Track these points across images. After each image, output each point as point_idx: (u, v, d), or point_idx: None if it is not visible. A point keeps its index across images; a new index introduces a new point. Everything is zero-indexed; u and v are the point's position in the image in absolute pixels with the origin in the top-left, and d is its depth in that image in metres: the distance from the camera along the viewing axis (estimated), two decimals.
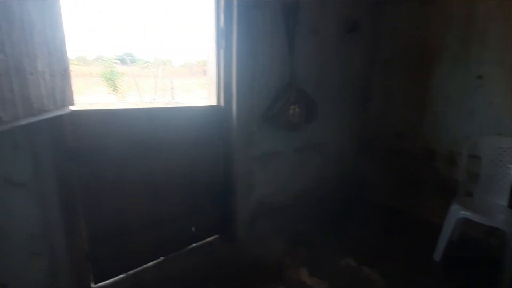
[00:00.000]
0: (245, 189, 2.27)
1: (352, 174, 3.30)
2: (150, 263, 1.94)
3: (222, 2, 1.92)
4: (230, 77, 2.04)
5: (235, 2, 1.90)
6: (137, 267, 1.88)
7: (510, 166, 2.14)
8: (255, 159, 2.28)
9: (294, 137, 2.50)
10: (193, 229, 2.13)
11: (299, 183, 2.71)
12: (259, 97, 2.17)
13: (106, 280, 1.77)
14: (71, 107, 1.45)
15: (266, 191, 2.42)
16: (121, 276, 1.82)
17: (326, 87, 2.67)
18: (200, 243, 2.20)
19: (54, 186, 1.44)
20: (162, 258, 1.99)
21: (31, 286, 1.45)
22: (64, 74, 1.35)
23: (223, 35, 1.97)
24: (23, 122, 1.04)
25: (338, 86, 2.80)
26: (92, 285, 1.70)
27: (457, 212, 2.07)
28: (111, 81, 10.82)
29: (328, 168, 2.96)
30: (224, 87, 2.05)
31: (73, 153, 1.51)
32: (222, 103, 2.09)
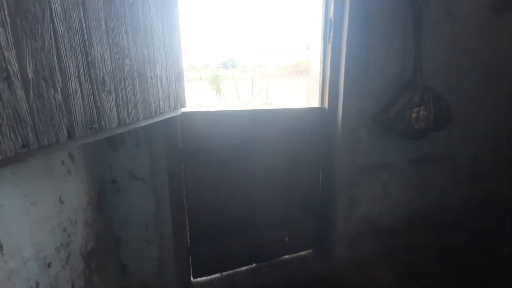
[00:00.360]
0: (347, 204, 1.98)
1: (491, 199, 2.50)
2: (243, 268, 1.91)
3: None
4: (337, 75, 1.80)
5: None
6: (231, 269, 1.88)
7: None
8: (361, 170, 1.96)
9: (411, 146, 2.04)
10: (287, 239, 1.99)
11: (415, 204, 2.21)
12: (370, 97, 1.84)
13: (204, 276, 1.82)
14: (183, 109, 1.52)
15: (372, 208, 2.06)
16: (216, 275, 1.84)
17: (462, 83, 2.07)
18: (292, 255, 2.04)
19: (166, 182, 1.54)
20: (254, 264, 1.93)
21: (144, 270, 1.60)
22: (179, 77, 1.41)
23: (331, 27, 1.74)
24: (143, 123, 1.11)
25: (478, 82, 2.14)
26: (191, 279, 1.78)
27: None
28: (215, 84, 12.02)
29: (456, 188, 2.32)
30: (330, 87, 1.82)
31: (182, 153, 1.58)
32: (326, 104, 1.86)
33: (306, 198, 1.97)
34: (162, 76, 1.24)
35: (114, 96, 0.91)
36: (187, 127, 1.58)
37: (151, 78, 1.14)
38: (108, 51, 0.88)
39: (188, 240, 1.72)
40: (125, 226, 1.51)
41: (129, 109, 0.99)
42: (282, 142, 1.82)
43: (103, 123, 0.86)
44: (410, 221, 2.22)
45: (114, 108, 0.91)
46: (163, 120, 1.35)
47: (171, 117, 1.43)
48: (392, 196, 2.10)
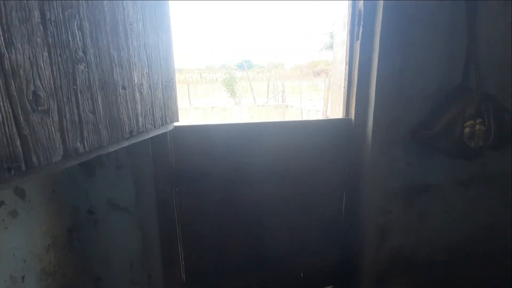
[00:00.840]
0: (377, 234, 1.64)
1: None
2: None
3: None
4: (368, 79, 1.46)
5: None
6: None
7: None
8: (393, 194, 1.60)
9: (457, 165, 1.67)
10: (302, 275, 1.67)
11: (459, 232, 1.82)
12: (408, 107, 1.49)
13: None
14: (175, 124, 1.24)
15: (406, 239, 1.70)
16: None
17: None
18: None
19: (154, 212, 1.27)
20: None
21: None
22: (168, 86, 1.14)
23: (360, 21, 1.41)
24: (111, 149, 0.84)
25: None
26: None
27: None
28: (230, 86, 11.83)
29: (508, 213, 1.91)
30: (357, 94, 1.48)
31: (175, 175, 1.31)
32: (352, 115, 1.53)
33: (326, 227, 1.64)
34: (142, 85, 0.96)
35: (56, 118, 0.63)
36: (181, 145, 1.30)
37: (123, 88, 0.87)
38: (45, 54, 0.61)
39: (184, 279, 1.44)
40: (106, 264, 1.25)
41: (85, 133, 0.72)
42: (297, 160, 1.50)
43: (35, 159, 0.59)
44: (452, 254, 1.84)
45: (57, 135, 0.64)
46: (150, 139, 1.09)
47: (160, 135, 1.15)
48: (430, 224, 1.73)
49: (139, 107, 0.94)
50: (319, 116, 8.10)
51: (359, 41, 1.44)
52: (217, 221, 1.44)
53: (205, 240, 1.44)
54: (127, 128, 0.89)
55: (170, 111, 1.15)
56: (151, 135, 1.04)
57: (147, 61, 0.99)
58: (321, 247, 1.67)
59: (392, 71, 1.43)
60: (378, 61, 1.40)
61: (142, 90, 0.96)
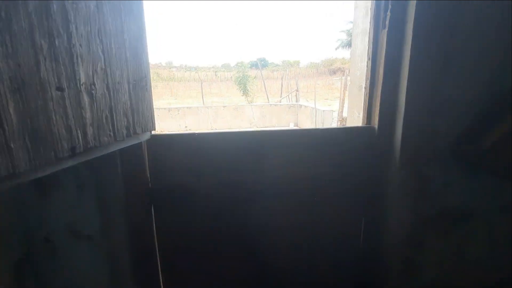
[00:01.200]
0: (402, 269, 1.34)
1: None
2: None
3: None
4: (396, 78, 1.16)
5: None
6: None
7: None
8: (425, 222, 1.30)
9: (507, 189, 1.33)
10: None
11: (506, 267, 1.48)
12: (447, 115, 1.17)
13: None
14: (156, 132, 1.00)
15: (440, 277, 1.39)
16: None
17: None
18: None
19: (126, 240, 1.04)
20: None
21: None
22: (138, 86, 0.89)
23: (388, 4, 1.12)
24: (33, 176, 0.60)
25: None
26: None
27: None
28: (242, 84, 11.60)
29: None
30: (382, 96, 1.19)
31: (153, 196, 1.07)
32: (375, 123, 1.23)
33: (340, 259, 1.36)
34: (94, 84, 0.72)
35: None
36: (161, 158, 1.06)
37: (59, 89, 0.63)
38: None
39: None
40: None
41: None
42: (305, 178, 1.22)
43: None
44: None
45: None
46: (121, 150, 0.85)
47: (133, 146, 0.92)
48: (471, 258, 1.40)
49: (87, 114, 0.70)
50: (335, 117, 7.71)
51: (386, 30, 1.14)
52: (206, 252, 1.19)
53: (192, 276, 1.20)
54: (65, 145, 0.65)
55: (142, 118, 0.91)
56: (111, 149, 0.80)
57: (103, 54, 0.75)
58: (334, 284, 1.38)
59: (429, 68, 1.12)
60: (411, 56, 1.10)
61: (93, 92, 0.72)
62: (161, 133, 1.04)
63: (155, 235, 1.09)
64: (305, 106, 9.48)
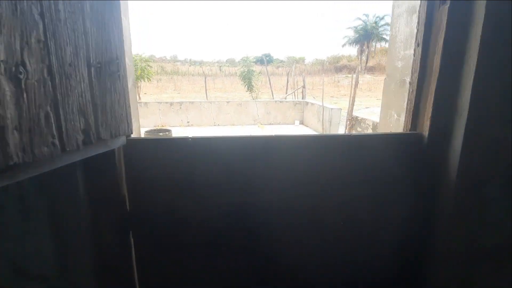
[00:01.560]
0: None
1: None
2: None
3: None
4: (458, 73, 0.88)
5: None
6: None
7: None
8: (482, 256, 1.02)
9: None
10: None
11: None
12: None
13: None
14: (131, 136, 0.73)
15: None
16: None
17: None
18: None
19: (93, 280, 0.77)
20: None
21: None
22: (106, 71, 0.62)
23: None
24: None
25: None
26: None
27: None
28: (247, 79, 11.29)
29: None
30: (436, 95, 0.91)
31: (131, 220, 0.80)
32: (423, 128, 0.95)
33: None
34: (23, 64, 0.45)
35: None
36: (143, 172, 0.79)
37: None
38: None
39: None
40: None
41: None
42: (326, 198, 0.95)
43: None
44: None
45: None
46: (85, 160, 0.59)
47: (101, 156, 0.65)
48: None
49: (9, 112, 0.43)
50: (344, 115, 7.39)
51: (447, 6, 0.85)
52: None
53: None
54: (13, 151, 0.38)
55: (111, 117, 0.64)
56: (57, 164, 0.54)
57: (42, 18, 0.47)
58: None
59: (497, 56, 0.84)
60: (481, 42, 0.81)
61: (21, 77, 0.45)
62: (142, 137, 0.77)
63: (135, 274, 0.83)
64: (312, 104, 9.15)
